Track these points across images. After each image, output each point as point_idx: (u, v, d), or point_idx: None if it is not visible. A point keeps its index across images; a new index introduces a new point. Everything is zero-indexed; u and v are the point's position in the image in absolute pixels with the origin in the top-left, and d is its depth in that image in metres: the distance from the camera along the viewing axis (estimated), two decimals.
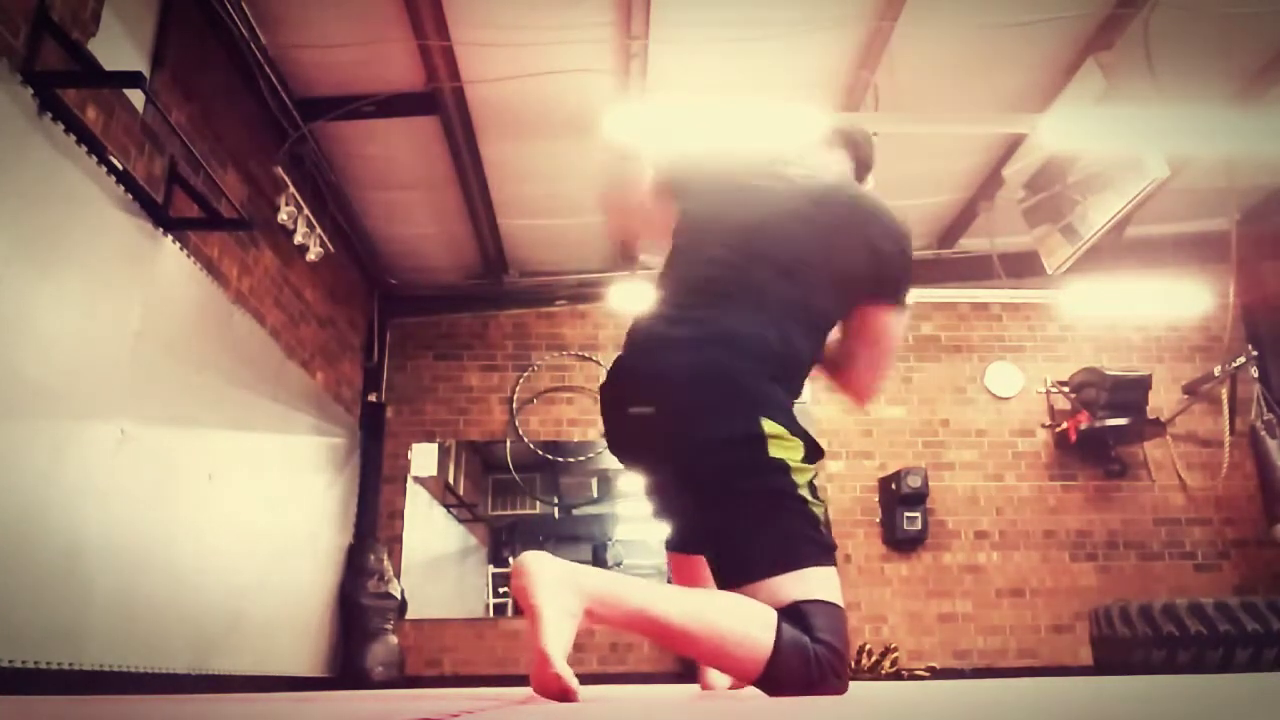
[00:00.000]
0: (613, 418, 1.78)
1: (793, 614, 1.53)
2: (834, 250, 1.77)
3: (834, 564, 1.63)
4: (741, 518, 1.62)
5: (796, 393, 1.75)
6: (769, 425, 1.62)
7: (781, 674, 1.49)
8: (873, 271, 1.79)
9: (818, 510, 1.64)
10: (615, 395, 1.76)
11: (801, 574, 1.56)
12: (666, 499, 1.82)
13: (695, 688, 2.42)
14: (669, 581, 2.11)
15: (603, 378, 1.83)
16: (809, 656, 1.50)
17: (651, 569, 9.10)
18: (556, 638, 1.39)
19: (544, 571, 1.45)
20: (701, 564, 1.76)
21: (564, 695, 1.37)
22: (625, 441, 1.78)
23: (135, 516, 3.15)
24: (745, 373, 1.65)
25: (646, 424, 1.69)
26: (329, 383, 5.36)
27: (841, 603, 1.59)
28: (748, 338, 1.67)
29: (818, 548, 1.60)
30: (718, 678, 2.17)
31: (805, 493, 1.63)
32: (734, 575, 1.61)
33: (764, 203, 1.84)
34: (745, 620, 1.50)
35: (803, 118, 4.08)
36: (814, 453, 1.68)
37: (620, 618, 1.49)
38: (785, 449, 1.62)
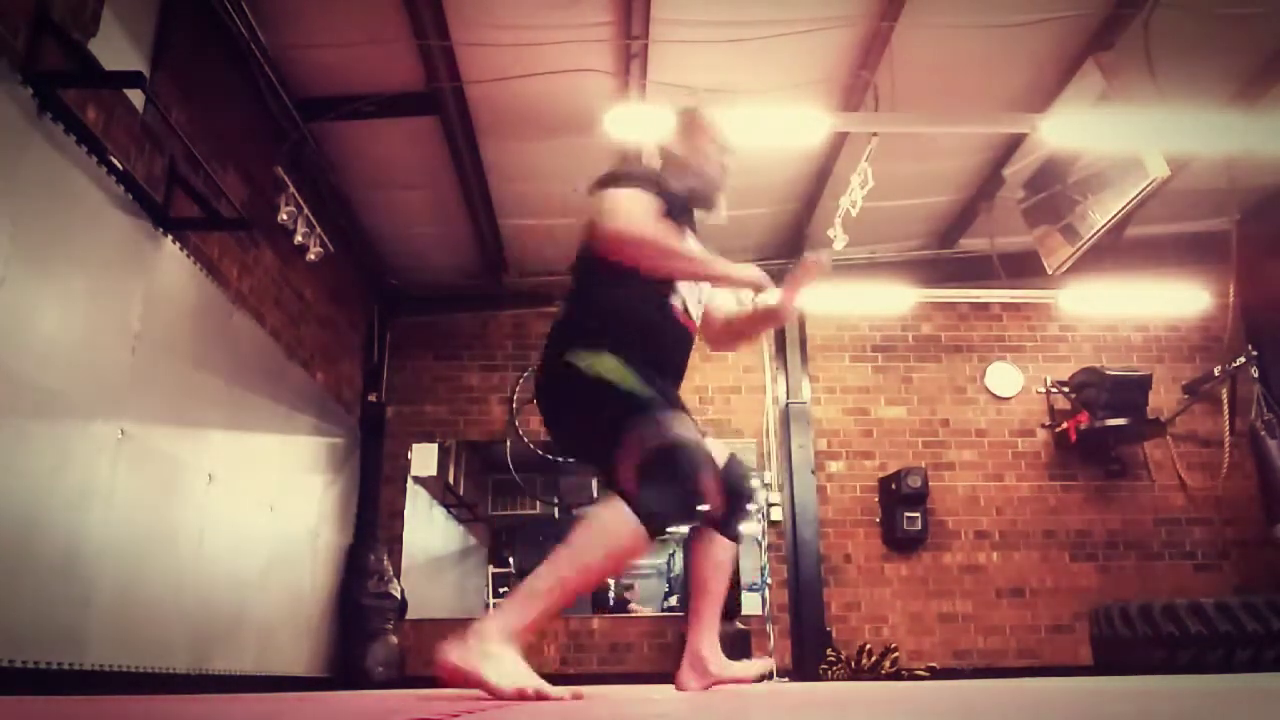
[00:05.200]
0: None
1: (632, 487, 1.81)
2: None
3: (661, 413, 1.91)
4: (592, 436, 2.01)
5: (615, 329, 2.04)
6: (572, 355, 1.98)
7: (654, 520, 1.77)
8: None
9: (646, 391, 1.94)
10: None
11: (638, 435, 1.86)
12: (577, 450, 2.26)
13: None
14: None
15: None
16: (650, 506, 1.78)
17: (651, 569, 9.10)
18: (505, 678, 1.59)
19: (455, 648, 1.66)
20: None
21: (544, 697, 1.55)
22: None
23: (136, 517, 3.15)
24: (558, 344, 2.08)
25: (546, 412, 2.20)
26: (329, 383, 5.36)
27: (678, 440, 1.86)
28: (556, 326, 2.15)
29: (643, 413, 1.90)
30: (691, 679, 2.21)
31: (631, 384, 1.93)
32: (609, 476, 1.91)
33: None
34: (602, 528, 1.77)
35: (802, 118, 4.10)
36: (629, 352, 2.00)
37: (539, 613, 1.72)
38: (597, 364, 1.95)
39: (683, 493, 1.80)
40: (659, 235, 1.98)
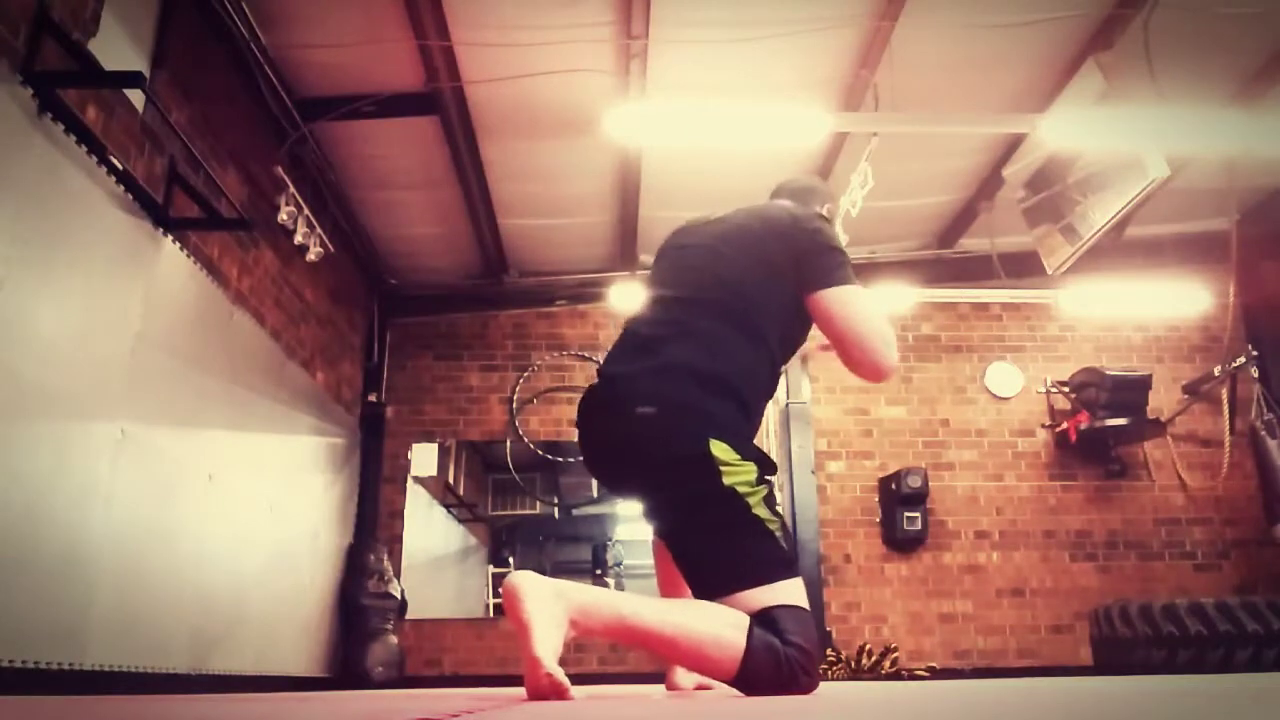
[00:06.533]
0: (585, 447, 1.95)
1: (763, 619, 1.64)
2: (746, 257, 1.93)
3: (797, 574, 1.73)
4: (704, 544, 1.75)
5: (753, 402, 1.87)
6: (717, 447, 1.73)
7: (754, 674, 1.60)
8: (791, 260, 1.90)
9: (774, 527, 1.73)
10: (584, 428, 1.95)
11: (766, 588, 1.67)
12: (644, 510, 1.95)
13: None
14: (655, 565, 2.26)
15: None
16: (780, 657, 1.60)
17: (651, 569, 9.10)
18: (546, 643, 1.48)
19: (531, 586, 1.54)
20: None
21: (558, 694, 1.44)
22: (598, 468, 1.96)
23: (136, 517, 3.15)
24: (687, 395, 1.78)
25: (611, 452, 1.90)
26: (329, 383, 5.36)
27: (806, 605, 1.70)
28: (684, 365, 1.81)
29: (779, 565, 1.71)
30: (684, 678, 2.20)
31: (760, 512, 1.73)
32: (701, 592, 1.72)
33: (685, 249, 2.05)
34: (719, 625, 1.62)
35: (803, 118, 4.09)
36: (766, 469, 1.79)
37: (601, 627, 1.59)
38: (737, 475, 1.73)
39: (792, 670, 1.61)
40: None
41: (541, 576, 1.57)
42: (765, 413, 1.98)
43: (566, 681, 1.44)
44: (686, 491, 1.75)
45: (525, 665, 1.47)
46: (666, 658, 1.82)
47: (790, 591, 1.69)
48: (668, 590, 2.14)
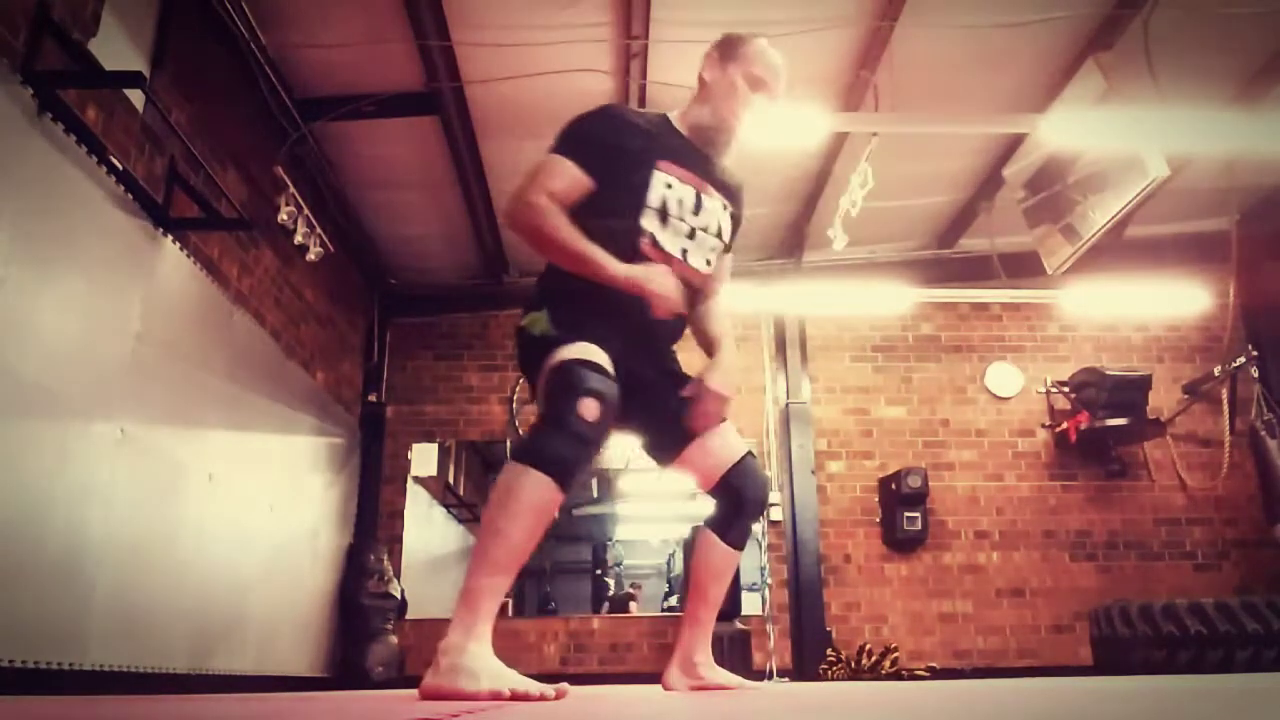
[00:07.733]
0: None
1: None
2: None
3: (574, 340, 1.84)
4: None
5: (562, 277, 1.95)
6: (523, 319, 1.96)
7: (533, 455, 1.70)
8: None
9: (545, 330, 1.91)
10: None
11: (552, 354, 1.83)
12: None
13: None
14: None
15: None
16: (525, 437, 1.76)
17: (651, 569, 9.10)
18: (485, 681, 1.52)
19: (434, 670, 1.61)
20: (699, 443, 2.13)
21: (544, 697, 1.45)
22: None
23: (136, 516, 3.16)
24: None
25: None
26: (329, 383, 5.36)
27: (584, 356, 1.80)
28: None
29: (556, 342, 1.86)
30: (678, 679, 2.19)
31: (544, 329, 1.90)
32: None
33: None
34: (507, 487, 1.70)
35: (802, 118, 4.09)
36: (561, 315, 1.92)
37: (484, 599, 1.65)
38: (532, 323, 1.93)
39: (556, 414, 1.71)
40: (543, 222, 1.88)
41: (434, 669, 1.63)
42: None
43: (541, 686, 1.47)
44: (523, 365, 1.98)
45: (501, 702, 1.47)
46: (519, 559, 1.77)
47: (569, 351, 1.81)
48: (700, 577, 2.14)
